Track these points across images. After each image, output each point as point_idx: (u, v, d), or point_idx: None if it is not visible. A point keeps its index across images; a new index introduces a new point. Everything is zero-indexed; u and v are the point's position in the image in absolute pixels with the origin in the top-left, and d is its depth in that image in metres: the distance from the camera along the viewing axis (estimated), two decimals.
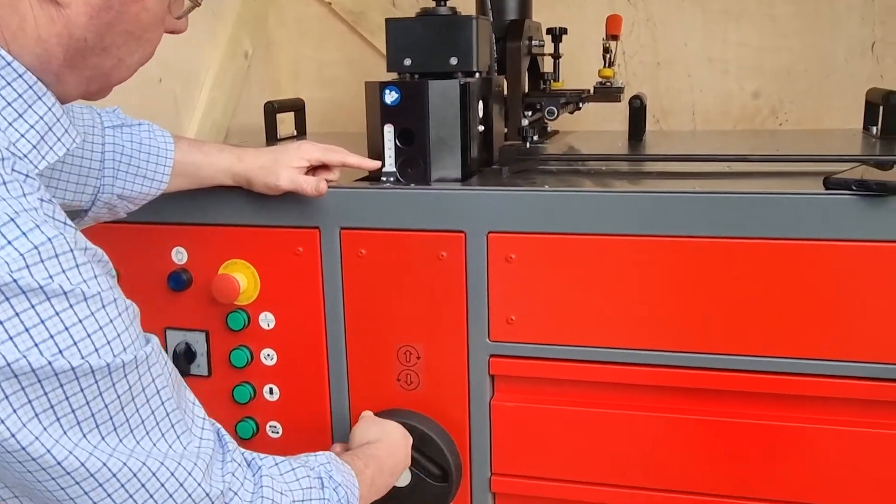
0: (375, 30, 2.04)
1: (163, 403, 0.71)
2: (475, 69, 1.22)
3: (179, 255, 1.21)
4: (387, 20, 1.23)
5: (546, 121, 1.64)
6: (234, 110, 1.90)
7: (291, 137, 1.82)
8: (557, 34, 1.67)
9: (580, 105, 1.67)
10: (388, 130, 1.16)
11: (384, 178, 1.17)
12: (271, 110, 1.72)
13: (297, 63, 2.13)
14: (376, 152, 1.18)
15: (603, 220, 1.06)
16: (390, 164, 1.17)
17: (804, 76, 1.87)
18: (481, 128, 1.25)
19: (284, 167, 1.10)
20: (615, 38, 1.69)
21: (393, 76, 1.22)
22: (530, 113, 1.62)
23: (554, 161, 1.33)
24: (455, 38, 1.21)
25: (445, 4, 1.23)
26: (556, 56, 1.68)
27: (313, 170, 1.16)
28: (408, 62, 1.23)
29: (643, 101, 1.63)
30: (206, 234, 1.19)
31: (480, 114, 1.25)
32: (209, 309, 1.21)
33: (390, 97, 1.15)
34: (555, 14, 1.75)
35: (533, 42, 1.63)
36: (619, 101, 1.66)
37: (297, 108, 1.86)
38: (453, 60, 1.21)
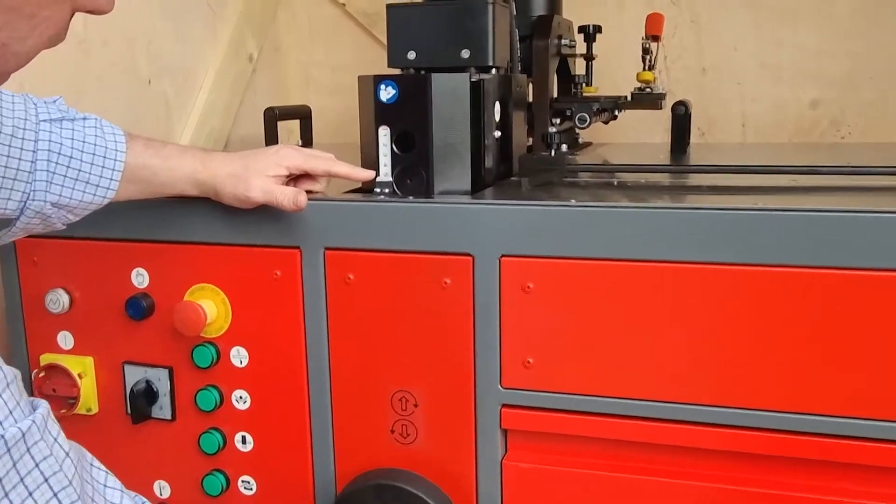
0: None
1: (55, 496, 0.52)
2: (491, 64, 1.02)
3: (139, 278, 1.02)
4: (388, 6, 1.04)
5: (577, 130, 1.44)
6: (236, 117, 1.72)
7: None
8: (591, 33, 1.47)
9: (616, 113, 1.47)
10: (384, 134, 0.96)
11: (378, 190, 0.97)
12: (272, 117, 1.53)
13: (307, 68, 1.95)
14: (370, 160, 0.98)
15: (642, 242, 0.86)
16: (386, 174, 0.97)
17: (869, 83, 1.64)
18: (497, 133, 1.05)
19: (257, 175, 0.91)
20: (656, 38, 1.49)
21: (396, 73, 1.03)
22: (559, 121, 1.42)
23: (583, 172, 1.12)
24: (468, 28, 1.01)
25: None
26: (588, 57, 1.47)
27: (294, 179, 0.97)
28: (412, 55, 1.03)
29: (688, 108, 1.42)
30: (169, 253, 1.01)
31: (497, 117, 1.05)
32: (173, 342, 1.02)
33: (386, 94, 0.95)
34: (588, 14, 1.55)
35: (563, 41, 1.44)
36: (661, 108, 1.45)
37: (303, 115, 1.67)
38: (465, 53, 1.02)
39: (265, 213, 0.94)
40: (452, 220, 0.91)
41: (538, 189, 1.00)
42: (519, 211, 0.89)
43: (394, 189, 0.97)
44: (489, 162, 1.03)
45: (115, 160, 0.88)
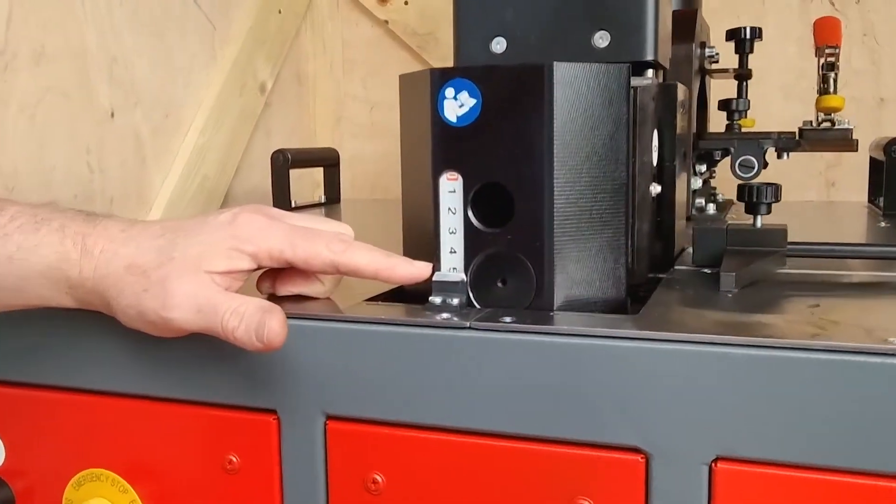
0: (449, 57, 1.38)
1: None
2: (652, 58, 0.53)
3: None
4: None
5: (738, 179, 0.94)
6: (240, 165, 1.26)
7: (314, 206, 1.17)
8: (747, 39, 0.97)
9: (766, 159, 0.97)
10: (450, 188, 0.47)
11: (437, 301, 0.47)
12: (282, 163, 1.07)
13: (340, 103, 1.49)
14: (421, 238, 0.49)
15: None
16: (453, 267, 0.47)
17: None
18: (657, 188, 0.56)
19: (188, 272, 0.42)
20: (834, 50, 0.99)
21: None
22: (704, 167, 0.93)
23: (802, 257, 0.60)
24: None
25: None
26: (743, 76, 0.98)
27: (272, 276, 0.48)
28: (499, 46, 0.55)
29: None
30: (38, 408, 0.52)
31: (654, 157, 0.55)
32: None
33: (456, 107, 0.46)
34: (718, 29, 1.06)
35: (706, 51, 0.95)
36: (855, 148, 0.94)
37: (328, 161, 1.21)
38: (601, 39, 0.53)
39: (208, 343, 0.45)
40: (599, 375, 0.40)
41: (754, 295, 0.49)
42: (759, 360, 0.38)
43: (469, 298, 0.47)
44: (643, 239, 0.53)
45: None
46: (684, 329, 0.40)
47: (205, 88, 1.19)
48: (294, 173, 1.35)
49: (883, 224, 0.83)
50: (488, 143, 0.45)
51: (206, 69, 1.20)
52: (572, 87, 0.44)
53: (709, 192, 1.02)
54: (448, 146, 0.45)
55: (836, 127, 0.94)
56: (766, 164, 0.96)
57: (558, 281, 0.45)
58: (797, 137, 0.93)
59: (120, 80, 1.04)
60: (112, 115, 1.04)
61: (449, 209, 0.46)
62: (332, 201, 1.19)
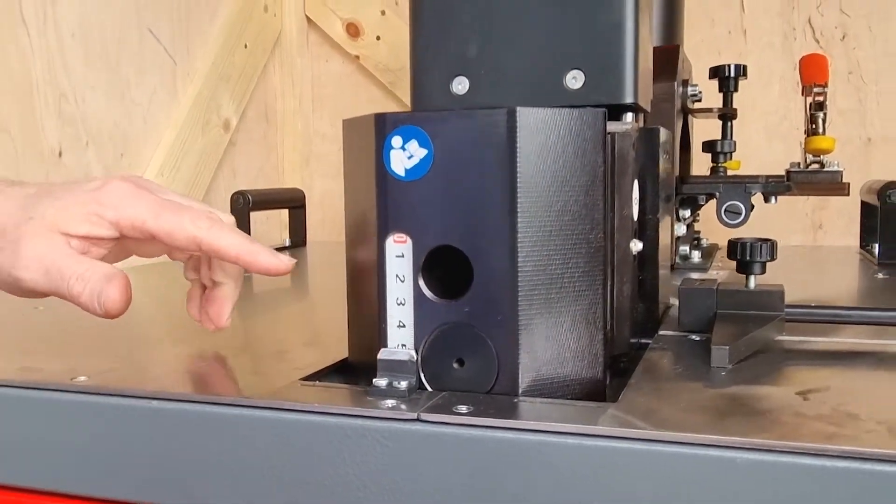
0: None
1: None
2: (631, 101, 0.47)
3: None
4: None
5: (724, 225, 0.88)
6: None
7: (282, 249, 1.10)
8: (730, 77, 0.92)
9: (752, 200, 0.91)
10: (397, 250, 0.40)
11: (384, 384, 0.40)
12: (242, 205, 1.00)
13: (309, 142, 1.42)
14: (367, 309, 0.42)
15: None
16: (403, 346, 0.40)
17: None
18: (638, 245, 0.49)
19: (42, 236, 0.41)
20: (822, 88, 0.94)
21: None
22: (688, 213, 0.87)
23: (802, 321, 0.53)
24: (583, 26, 0.46)
25: None
26: (727, 115, 0.92)
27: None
28: (461, 86, 0.49)
29: None
30: None
31: (635, 212, 0.49)
32: None
33: (403, 159, 0.39)
34: (698, 67, 1.02)
35: (689, 89, 0.90)
36: (847, 192, 0.89)
37: (293, 203, 1.14)
38: (573, 80, 0.47)
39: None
40: (571, 481, 0.33)
41: (750, 371, 0.43)
42: (763, 467, 0.31)
43: (420, 380, 0.40)
44: (624, 302, 0.46)
45: None
46: (669, 424, 0.33)
47: (164, 126, 1.13)
48: (262, 214, 1.28)
49: (880, 276, 0.77)
50: (442, 200, 0.38)
51: (166, 105, 1.13)
52: (540, 135, 0.38)
53: (692, 238, 0.96)
54: (395, 203, 0.39)
55: (826, 169, 0.89)
56: (751, 207, 0.90)
57: (524, 361, 0.38)
58: (785, 181, 0.88)
59: (71, 116, 0.97)
60: (60, 154, 0.97)
61: (396, 276, 0.39)
62: (297, 244, 1.12)
